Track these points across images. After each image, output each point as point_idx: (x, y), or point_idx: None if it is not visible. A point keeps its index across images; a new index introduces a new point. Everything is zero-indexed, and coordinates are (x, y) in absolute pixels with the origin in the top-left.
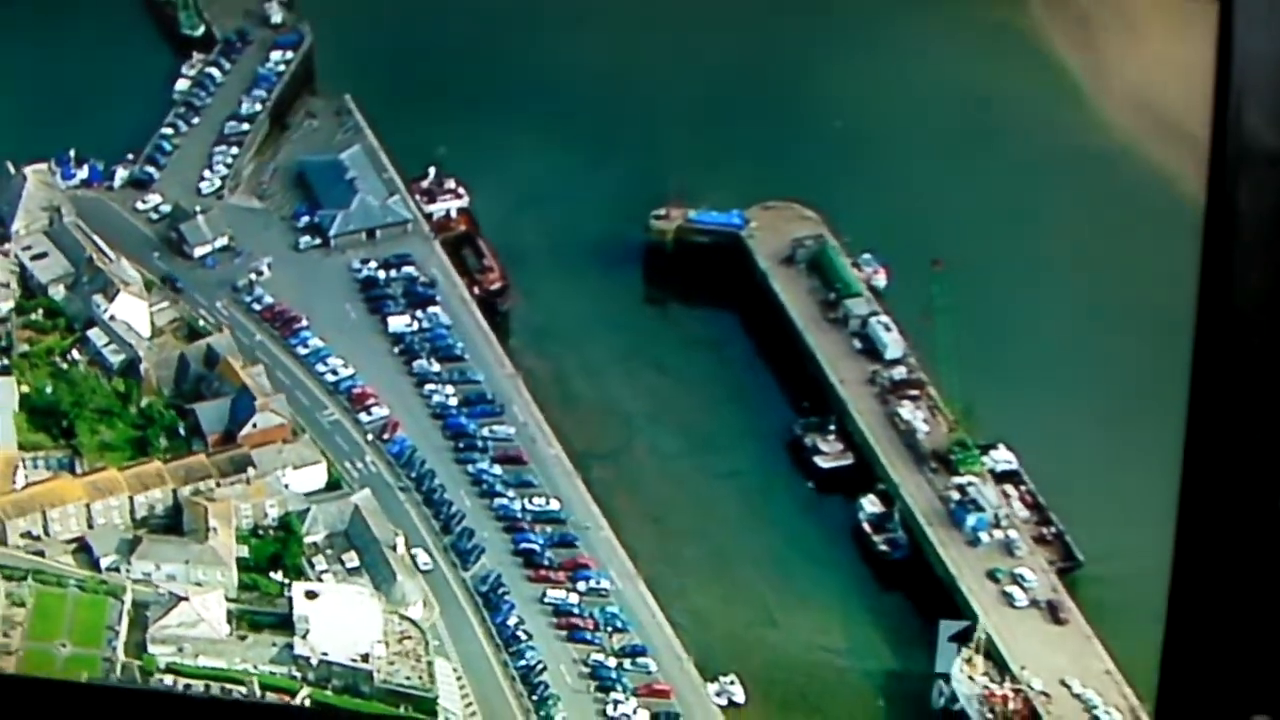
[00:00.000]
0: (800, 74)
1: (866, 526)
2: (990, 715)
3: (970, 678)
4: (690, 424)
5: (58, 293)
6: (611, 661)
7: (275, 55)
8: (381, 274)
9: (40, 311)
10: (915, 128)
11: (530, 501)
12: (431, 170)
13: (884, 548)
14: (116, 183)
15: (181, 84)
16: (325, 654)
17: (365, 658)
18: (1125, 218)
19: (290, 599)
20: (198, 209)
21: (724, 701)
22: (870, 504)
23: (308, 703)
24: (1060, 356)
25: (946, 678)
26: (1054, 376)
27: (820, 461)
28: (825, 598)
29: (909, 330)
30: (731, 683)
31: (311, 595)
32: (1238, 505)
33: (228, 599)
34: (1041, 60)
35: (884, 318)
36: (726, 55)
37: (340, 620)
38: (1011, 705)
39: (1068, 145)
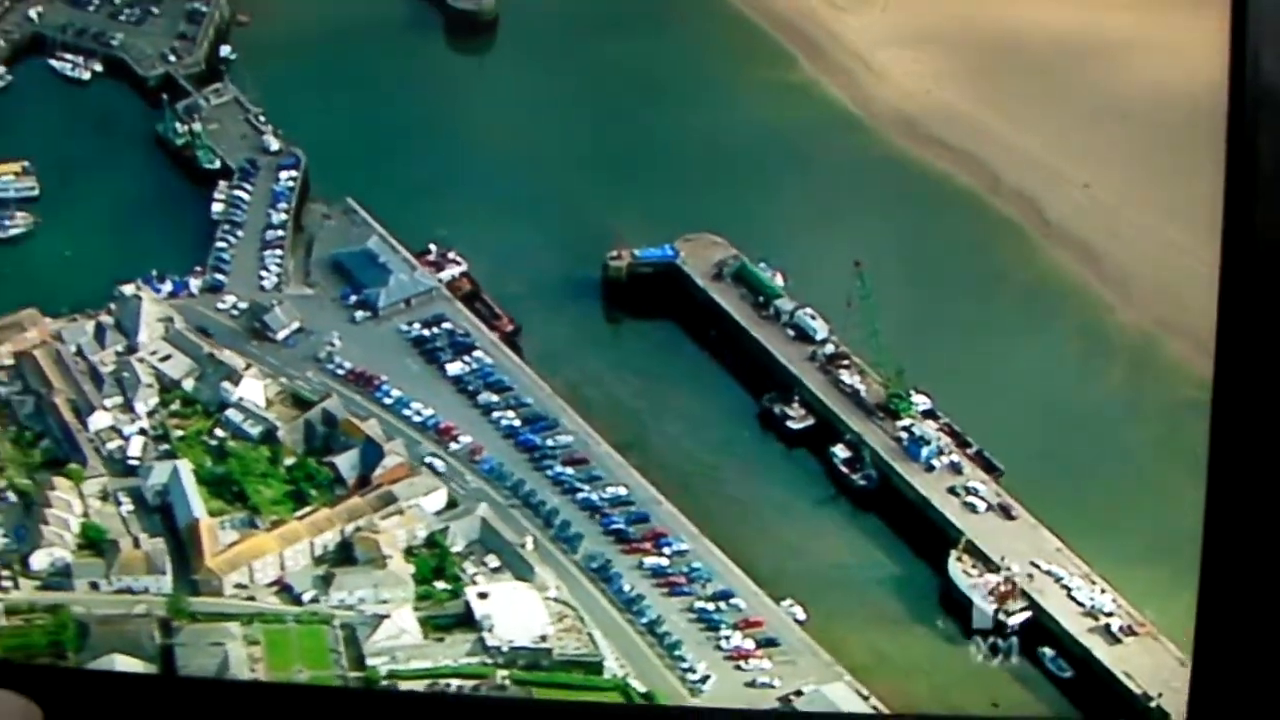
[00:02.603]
0: (655, 133)
1: (843, 468)
2: (990, 596)
3: (965, 572)
4: (679, 411)
5: (188, 385)
6: (710, 606)
7: (284, 175)
8: (426, 332)
9: (178, 402)
10: (750, 163)
11: (603, 491)
12: (433, 246)
13: (862, 483)
14: (195, 290)
15: (217, 206)
16: (511, 641)
17: (543, 638)
18: (917, 210)
19: (466, 602)
20: (273, 302)
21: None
22: (841, 450)
23: (508, 683)
24: (925, 319)
25: (984, 633)
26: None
27: (791, 424)
28: (825, 528)
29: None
30: (791, 606)
31: (483, 596)
32: (1269, 472)
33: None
34: (821, 102)
35: (808, 309)
36: (613, 129)
37: (513, 612)
38: (1003, 588)
39: (861, 159)
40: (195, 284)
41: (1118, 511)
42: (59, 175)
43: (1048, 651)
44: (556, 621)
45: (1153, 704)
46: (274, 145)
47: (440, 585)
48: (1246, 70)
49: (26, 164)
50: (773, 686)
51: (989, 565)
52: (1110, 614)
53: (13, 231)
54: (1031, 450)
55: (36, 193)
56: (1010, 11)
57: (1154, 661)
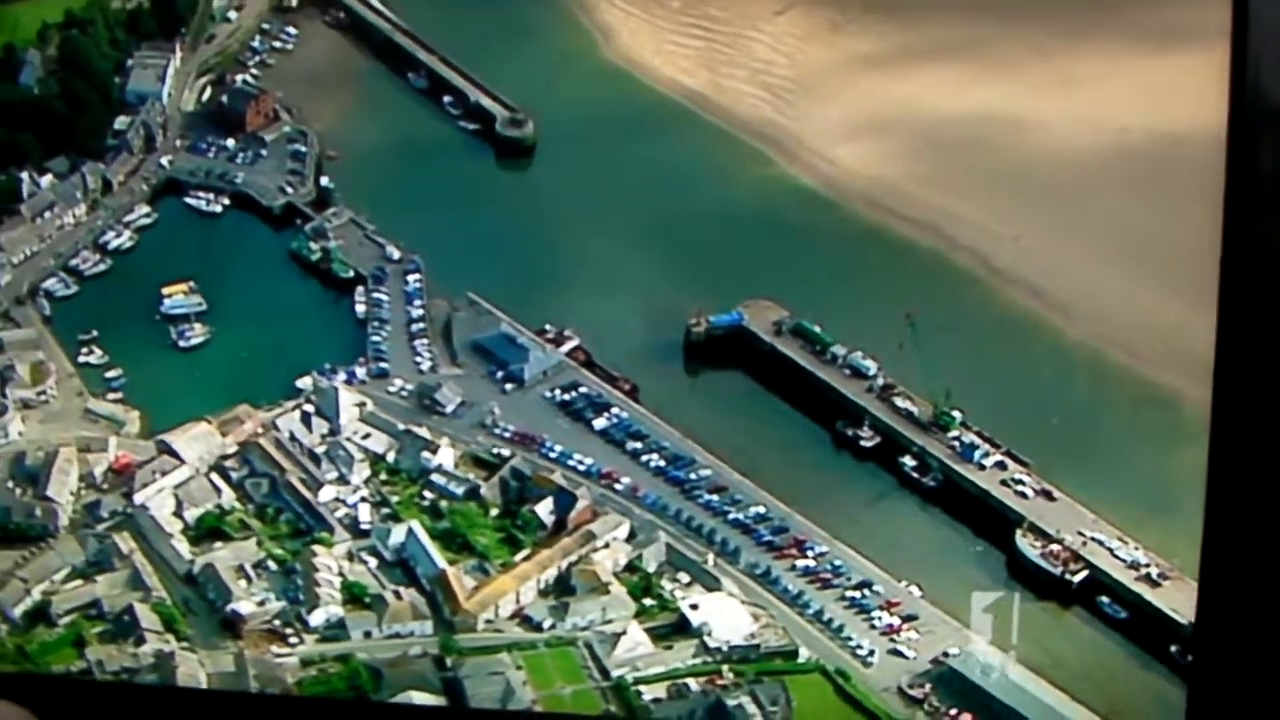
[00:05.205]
0: (678, 220)
1: (914, 474)
2: (1055, 561)
3: (1030, 545)
4: (771, 441)
5: (390, 457)
6: (857, 594)
7: (410, 278)
8: (566, 396)
9: (384, 474)
10: (760, 239)
11: (747, 511)
12: (549, 325)
13: (931, 484)
14: (363, 378)
15: (359, 308)
16: (728, 641)
17: (752, 635)
18: (894, 268)
19: (681, 613)
20: (438, 382)
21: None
22: (909, 460)
23: (731, 675)
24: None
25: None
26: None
27: (864, 444)
28: (904, 524)
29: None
30: (909, 586)
31: (695, 607)
32: (1269, 475)
33: None
34: (799, 189)
35: (858, 351)
36: (644, 220)
37: (723, 617)
38: (1062, 555)
39: (841, 231)
40: (361, 372)
41: (1114, 483)
42: (217, 291)
43: (1105, 599)
44: (754, 620)
45: None
46: (395, 254)
47: (648, 601)
48: (1247, 91)
49: (191, 283)
50: (906, 658)
51: (1049, 538)
52: (1148, 565)
53: (194, 341)
54: (1039, 445)
55: (204, 307)
56: (929, 102)
57: (1189, 599)
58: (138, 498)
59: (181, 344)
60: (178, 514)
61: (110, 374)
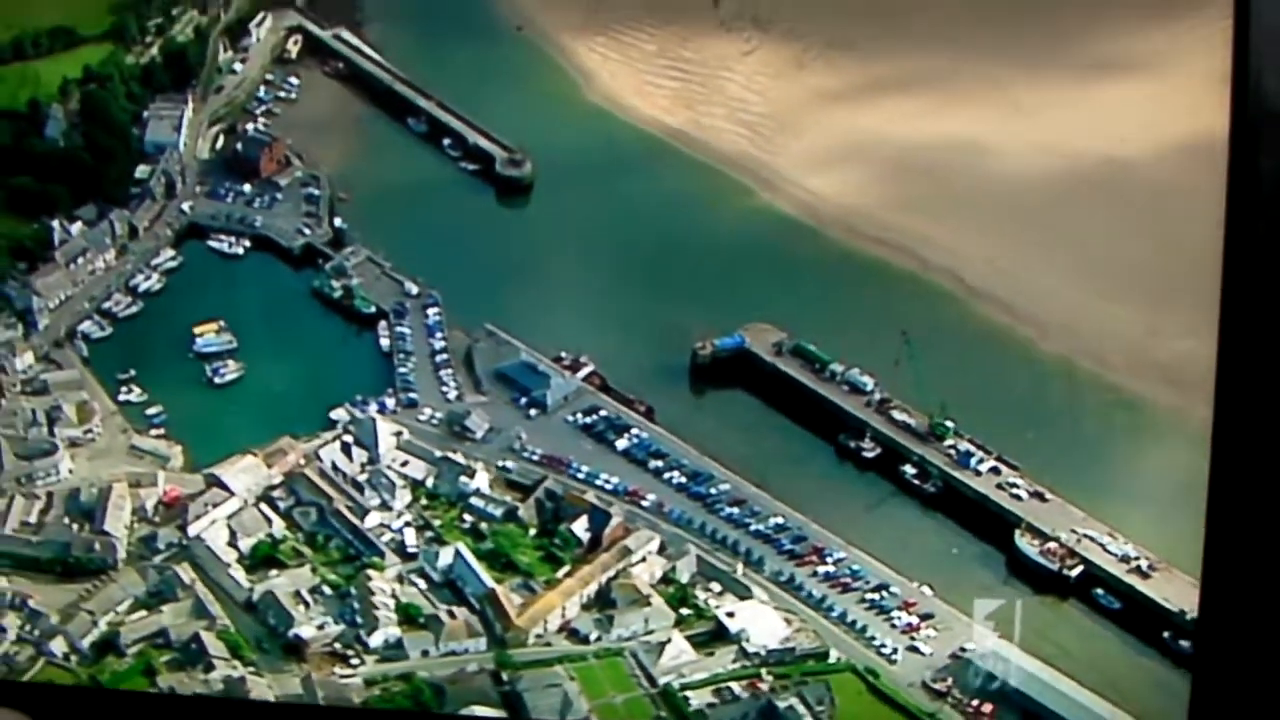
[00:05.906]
0: (674, 250)
1: (915, 481)
2: (1053, 558)
3: (1030, 543)
4: (779, 454)
5: (429, 483)
6: (876, 596)
7: (430, 311)
8: (588, 419)
9: (424, 499)
10: (751, 265)
11: (766, 522)
12: (564, 353)
13: (931, 490)
14: (393, 408)
15: (384, 341)
16: (765, 646)
17: (785, 640)
18: (873, 288)
19: (718, 620)
20: (467, 410)
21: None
22: (910, 469)
23: (770, 678)
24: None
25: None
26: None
27: (865, 454)
28: (909, 528)
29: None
30: (920, 587)
31: (730, 615)
32: (1269, 469)
33: None
34: (781, 218)
35: (855, 369)
36: (641, 251)
37: (759, 623)
38: (1060, 552)
39: (823, 256)
40: (391, 403)
41: (1096, 483)
42: (246, 330)
43: (1099, 591)
44: (788, 625)
45: (1187, 617)
46: (414, 290)
47: (685, 611)
48: (1249, 95)
49: (221, 322)
50: (925, 654)
51: (1046, 537)
52: (1137, 558)
53: (229, 377)
54: (1024, 451)
55: (235, 345)
56: (894, 132)
57: (1177, 589)
58: (192, 529)
59: (216, 380)
60: (232, 544)
61: (150, 411)
